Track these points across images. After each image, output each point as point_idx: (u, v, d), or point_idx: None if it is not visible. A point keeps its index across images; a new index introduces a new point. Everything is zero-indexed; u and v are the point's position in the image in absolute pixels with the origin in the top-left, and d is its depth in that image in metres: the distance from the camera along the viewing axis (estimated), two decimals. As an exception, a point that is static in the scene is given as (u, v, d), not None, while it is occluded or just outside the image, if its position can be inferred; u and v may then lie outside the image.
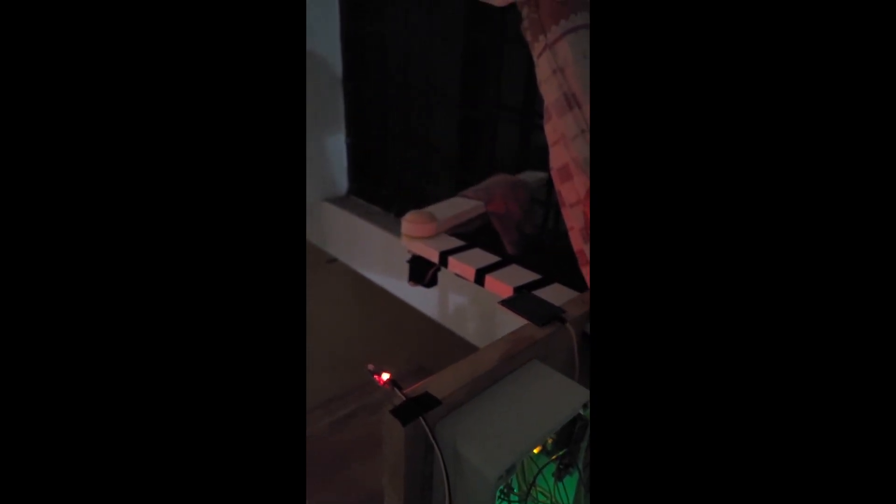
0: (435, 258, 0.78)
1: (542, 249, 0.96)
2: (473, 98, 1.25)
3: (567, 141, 0.59)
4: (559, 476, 0.48)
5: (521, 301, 0.61)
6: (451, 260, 0.75)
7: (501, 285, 0.68)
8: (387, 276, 1.47)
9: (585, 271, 0.65)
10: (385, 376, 0.45)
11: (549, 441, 0.47)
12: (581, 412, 0.46)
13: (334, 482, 0.83)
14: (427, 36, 1.31)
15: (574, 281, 0.67)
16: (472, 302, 1.25)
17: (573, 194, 0.63)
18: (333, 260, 1.65)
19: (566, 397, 0.48)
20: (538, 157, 1.03)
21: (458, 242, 0.79)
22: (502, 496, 0.44)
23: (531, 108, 1.12)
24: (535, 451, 0.46)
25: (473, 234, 0.83)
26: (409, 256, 0.84)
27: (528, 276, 0.70)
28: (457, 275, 0.75)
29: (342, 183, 1.70)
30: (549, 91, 0.59)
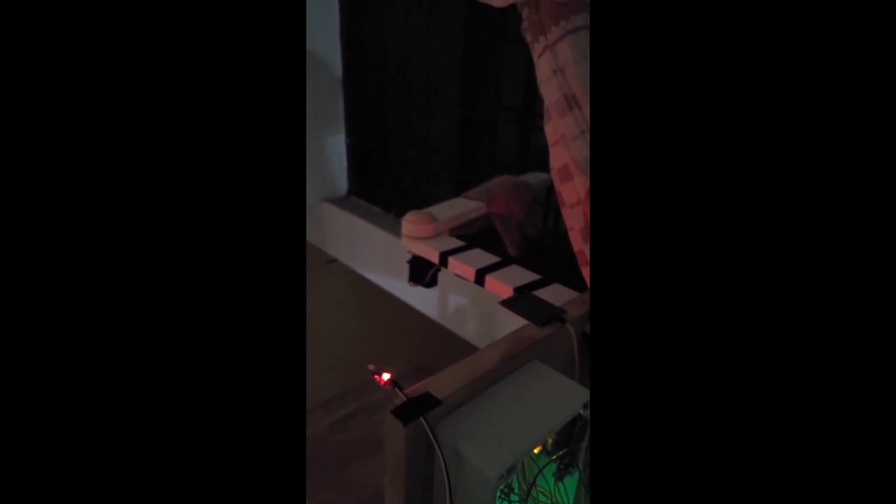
0: (435, 258, 0.78)
1: (542, 250, 0.97)
2: (473, 98, 1.25)
3: (567, 141, 0.59)
4: (559, 476, 0.48)
5: (521, 301, 0.61)
6: (451, 260, 0.75)
7: (501, 285, 0.68)
8: (387, 277, 1.47)
9: (585, 272, 0.65)
10: (386, 376, 0.45)
11: (550, 441, 0.47)
12: (581, 412, 0.47)
13: (334, 482, 0.83)
14: (427, 36, 1.31)
15: (574, 281, 0.67)
16: (472, 302, 1.25)
17: (573, 195, 0.63)
18: (333, 260, 1.65)
19: (566, 397, 0.48)
20: (538, 157, 1.03)
21: (458, 243, 0.79)
22: (503, 496, 0.44)
23: (531, 109, 1.12)
24: (536, 451, 0.46)
25: (475, 236, 0.83)
26: (409, 257, 0.84)
27: (529, 276, 0.70)
28: (457, 275, 0.75)
29: (342, 183, 1.70)
30: (550, 92, 0.59)
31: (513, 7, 0.62)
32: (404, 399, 0.43)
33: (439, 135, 1.37)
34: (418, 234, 0.80)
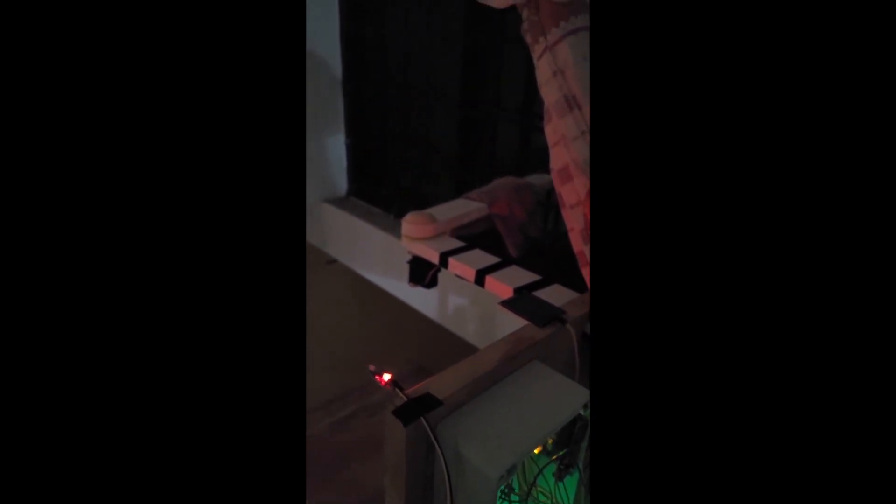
0: (435, 259, 0.78)
1: (542, 250, 0.97)
2: (473, 99, 1.25)
3: (567, 142, 0.59)
4: (559, 476, 0.48)
5: (521, 302, 0.61)
6: (452, 261, 0.75)
7: (501, 286, 0.69)
8: (387, 277, 1.47)
9: (585, 272, 0.65)
10: (386, 377, 0.45)
11: (550, 441, 0.47)
12: (581, 412, 0.47)
13: (334, 483, 0.83)
14: (427, 36, 1.31)
15: (574, 282, 0.67)
16: (472, 303, 1.25)
17: (573, 195, 0.63)
18: (333, 261, 1.65)
19: (566, 398, 0.48)
20: (538, 158, 1.03)
21: (458, 243, 0.79)
22: (503, 496, 0.44)
23: (531, 109, 1.12)
24: (536, 451, 0.47)
25: (477, 237, 0.83)
26: (409, 257, 0.84)
27: (529, 276, 0.70)
28: (457, 276, 0.76)
29: (342, 184, 1.70)
30: (550, 93, 0.59)
31: (513, 8, 0.62)
32: (405, 399, 0.43)
33: (439, 135, 1.37)
34: (418, 234, 0.80)
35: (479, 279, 0.71)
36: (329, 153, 1.65)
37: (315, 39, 1.51)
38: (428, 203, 0.86)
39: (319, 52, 1.53)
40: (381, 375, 0.45)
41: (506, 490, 0.44)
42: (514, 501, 0.45)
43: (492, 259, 0.75)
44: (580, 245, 0.64)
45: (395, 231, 1.25)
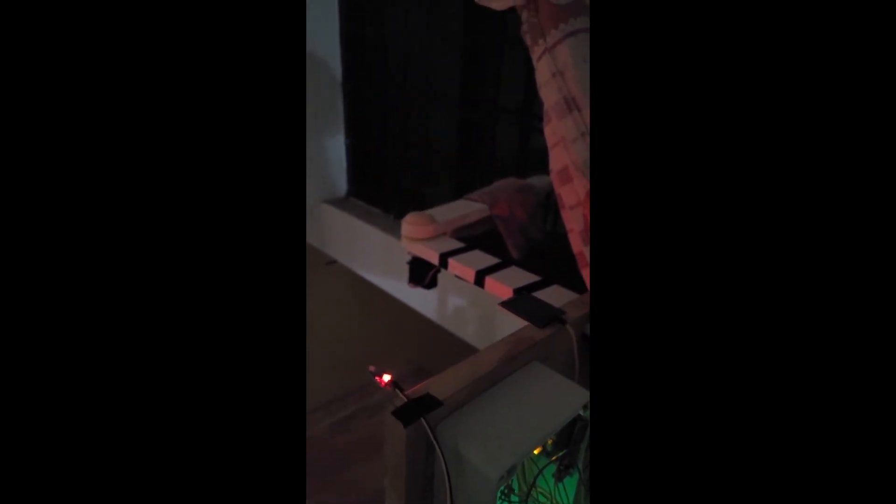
0: (435, 260, 0.78)
1: (542, 251, 0.97)
2: (473, 99, 1.25)
3: (567, 143, 0.59)
4: (559, 477, 0.49)
5: (521, 302, 0.61)
6: (451, 261, 0.75)
7: (501, 287, 0.69)
8: (386, 278, 1.47)
9: (585, 273, 0.65)
10: (386, 378, 0.45)
11: (550, 442, 0.47)
12: (581, 413, 0.47)
13: (334, 483, 0.83)
14: (427, 37, 1.31)
15: (574, 282, 0.67)
16: (471, 303, 1.25)
17: (573, 196, 0.63)
18: (333, 261, 1.65)
19: (566, 398, 0.48)
20: (538, 159, 1.04)
21: (457, 244, 0.79)
22: (503, 497, 0.44)
23: (530, 110, 1.12)
24: (536, 451, 0.47)
25: (478, 238, 0.83)
26: (408, 258, 0.84)
27: (528, 277, 0.70)
28: (457, 276, 0.76)
29: (341, 184, 1.70)
30: (549, 94, 0.59)
31: (513, 9, 0.62)
32: (405, 400, 0.43)
33: (439, 136, 1.37)
34: (418, 235, 0.80)
35: (479, 280, 0.71)
36: (329, 153, 1.65)
37: (315, 40, 1.51)
38: (427, 203, 0.87)
39: (319, 53, 1.53)
40: (381, 376, 0.45)
41: (505, 491, 0.45)
42: (514, 502, 0.45)
43: (491, 260, 0.75)
44: (579, 246, 0.65)
45: (395, 232, 1.25)
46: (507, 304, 0.61)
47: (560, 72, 0.57)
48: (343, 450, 0.90)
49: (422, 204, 1.40)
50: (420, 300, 1.35)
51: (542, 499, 0.48)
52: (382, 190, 1.59)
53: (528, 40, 0.60)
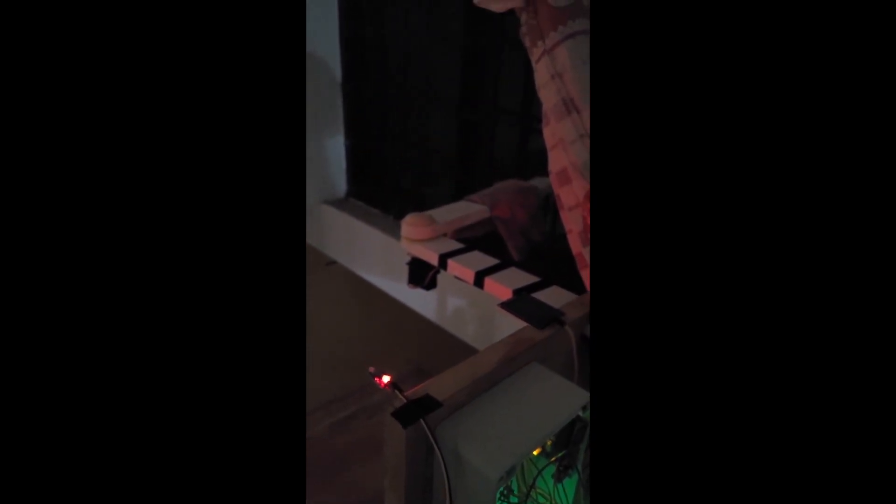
0: (434, 261, 0.78)
1: (541, 252, 0.97)
2: (473, 100, 1.25)
3: (566, 145, 0.60)
4: (558, 478, 0.49)
5: (520, 303, 0.61)
6: (451, 262, 0.75)
7: (501, 288, 0.69)
8: (386, 279, 1.47)
9: (584, 274, 0.65)
10: (386, 379, 0.45)
11: (549, 443, 0.47)
12: (580, 414, 0.47)
13: (334, 484, 0.83)
14: (426, 37, 1.31)
15: (573, 283, 0.67)
16: (471, 304, 1.25)
17: (572, 198, 0.63)
18: (333, 262, 1.65)
19: (565, 399, 0.48)
20: (538, 159, 1.04)
21: (457, 245, 0.79)
22: (502, 498, 0.44)
23: (530, 111, 1.12)
24: (535, 452, 0.47)
25: (479, 240, 0.83)
26: (408, 259, 0.84)
27: (528, 278, 0.70)
28: (456, 277, 0.76)
29: (341, 185, 1.70)
30: (548, 96, 0.60)
31: (512, 11, 0.62)
32: (404, 401, 0.43)
33: (438, 136, 1.37)
34: (417, 236, 0.80)
35: (478, 281, 0.72)
36: (328, 154, 1.65)
37: (315, 40, 1.51)
38: (427, 204, 0.87)
39: (319, 53, 1.53)
40: (380, 377, 0.45)
41: (505, 492, 0.45)
42: (514, 503, 0.46)
43: (491, 261, 0.75)
44: (578, 247, 0.65)
45: (395, 232, 1.25)
46: (506, 305, 0.61)
47: (559, 74, 0.57)
48: (343, 450, 0.90)
49: (421, 205, 1.40)
50: (420, 301, 1.35)
51: (541, 500, 0.48)
52: (382, 190, 1.59)
53: (526, 42, 0.60)
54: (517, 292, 0.66)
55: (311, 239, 1.69)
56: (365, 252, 1.54)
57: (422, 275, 0.85)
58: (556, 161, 0.64)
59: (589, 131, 0.57)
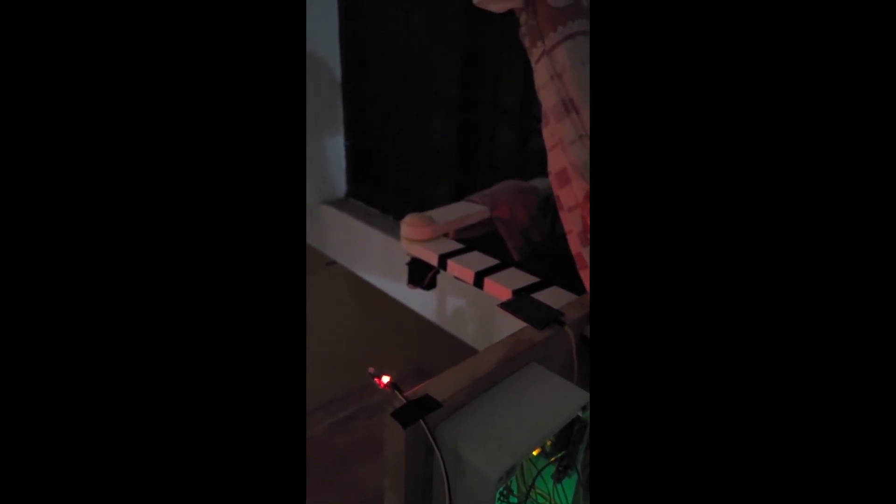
0: (434, 261, 0.78)
1: (541, 253, 0.97)
2: (473, 100, 1.25)
3: (565, 145, 0.60)
4: (558, 478, 0.49)
5: (519, 304, 0.61)
6: (451, 263, 0.75)
7: (500, 288, 0.69)
8: (386, 279, 1.47)
9: (583, 274, 0.65)
10: (386, 379, 0.45)
11: (548, 443, 0.47)
12: (580, 414, 0.47)
13: (334, 484, 0.83)
14: (426, 38, 1.31)
15: (572, 284, 0.67)
16: (470, 304, 1.25)
17: (571, 198, 0.63)
18: (332, 262, 1.65)
19: (565, 399, 0.48)
20: (537, 160, 1.04)
21: (456, 245, 0.79)
22: (502, 498, 0.45)
23: (529, 111, 1.12)
24: (535, 453, 0.47)
25: (480, 240, 0.83)
26: (408, 259, 0.84)
27: (527, 279, 0.70)
28: (456, 277, 0.76)
29: (341, 185, 1.70)
30: (547, 96, 0.60)
31: (511, 11, 0.62)
32: (404, 402, 0.43)
33: (438, 137, 1.37)
34: (417, 236, 0.80)
35: (478, 281, 0.72)
36: (328, 154, 1.65)
37: (315, 40, 1.51)
38: (427, 204, 0.87)
39: (319, 53, 1.53)
40: (380, 378, 0.45)
41: (504, 492, 0.45)
42: (513, 503, 0.46)
43: (490, 261, 0.75)
44: (578, 247, 0.65)
45: (395, 233, 1.25)
46: (505, 306, 0.61)
47: (558, 74, 0.57)
48: (343, 450, 0.90)
49: (421, 205, 1.40)
50: (419, 301, 1.35)
51: (540, 500, 0.48)
52: (382, 191, 1.59)
53: (526, 43, 0.60)
54: (517, 293, 0.66)
55: (311, 239, 1.69)
56: (365, 252, 1.55)
57: (421, 275, 0.85)
58: (555, 161, 0.64)
59: (588, 132, 0.58)
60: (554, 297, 0.65)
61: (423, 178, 1.47)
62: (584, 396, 0.48)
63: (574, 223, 0.64)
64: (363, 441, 0.92)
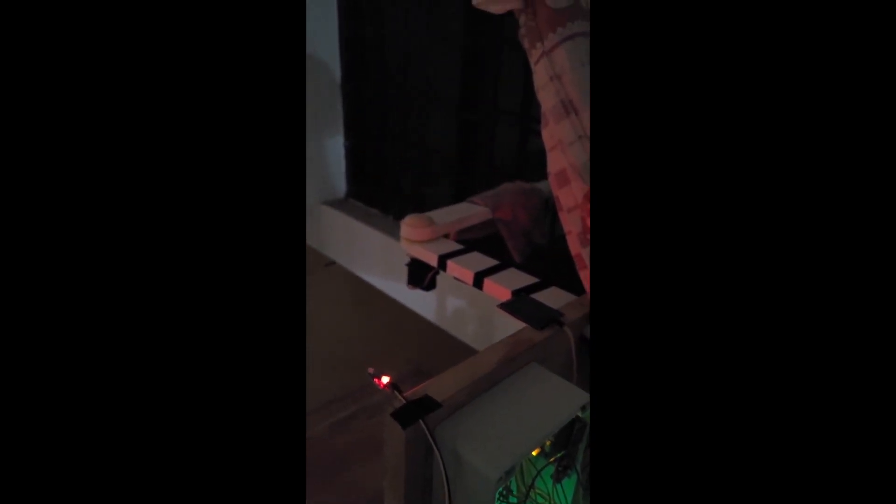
0: (434, 262, 0.78)
1: (540, 253, 0.97)
2: (472, 101, 1.25)
3: (564, 146, 0.60)
4: (557, 478, 0.49)
5: (519, 304, 0.61)
6: (450, 263, 0.75)
7: (500, 289, 0.69)
8: (386, 279, 1.47)
9: (583, 275, 0.65)
10: (385, 380, 0.45)
11: (548, 443, 0.47)
12: (579, 414, 0.47)
13: (334, 484, 0.83)
14: (426, 38, 1.31)
15: (572, 284, 0.67)
16: (470, 305, 1.25)
17: (570, 199, 0.63)
18: (332, 263, 1.65)
19: (564, 399, 0.48)
20: (537, 160, 1.04)
21: (456, 246, 0.79)
22: (501, 498, 0.45)
23: (529, 112, 1.12)
24: (534, 453, 0.47)
25: (481, 241, 0.83)
26: (407, 260, 0.85)
27: (527, 279, 0.70)
28: (455, 278, 0.76)
29: (340, 186, 1.70)
30: (547, 97, 0.60)
31: (511, 12, 0.62)
32: (404, 402, 0.44)
33: (438, 137, 1.38)
34: (417, 237, 0.80)
35: (478, 282, 0.72)
36: (328, 155, 1.65)
37: (314, 40, 1.51)
38: (427, 205, 0.87)
39: (319, 54, 1.53)
40: (380, 378, 0.45)
41: (504, 492, 0.45)
42: (513, 503, 0.46)
43: (490, 262, 0.75)
44: (577, 248, 0.65)
45: (394, 233, 1.25)
46: (505, 306, 0.61)
47: (557, 75, 0.58)
48: (343, 450, 0.90)
49: (421, 205, 1.40)
50: (419, 302, 1.35)
51: (540, 500, 0.48)
52: (382, 191, 1.59)
53: (525, 44, 0.61)
54: (516, 293, 0.66)
55: (311, 240, 1.69)
56: (364, 253, 1.55)
57: (421, 276, 0.85)
58: (554, 162, 0.64)
59: (587, 133, 0.58)
60: (553, 297, 0.65)
61: (423, 179, 1.47)
62: (583, 396, 0.48)
63: (573, 224, 0.64)
64: (363, 441, 0.92)
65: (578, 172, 0.60)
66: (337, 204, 1.67)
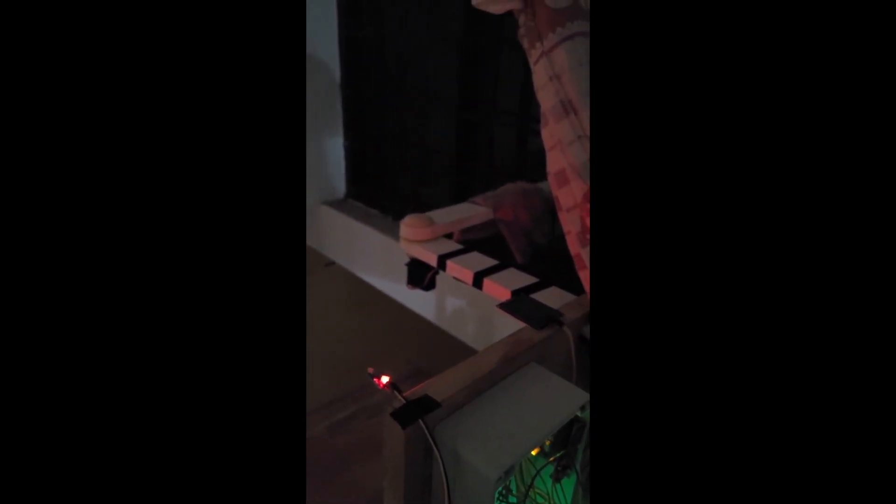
0: (433, 262, 0.78)
1: (541, 254, 0.97)
2: (472, 101, 1.25)
3: (563, 146, 0.60)
4: (557, 478, 0.49)
5: (519, 304, 0.61)
6: (450, 263, 0.75)
7: (499, 288, 0.69)
8: (385, 280, 1.48)
9: (582, 275, 0.65)
10: (385, 379, 0.45)
11: (547, 443, 0.47)
12: (579, 414, 0.47)
13: (334, 484, 0.83)
14: (426, 38, 1.31)
15: (571, 284, 0.67)
16: (470, 305, 1.25)
17: (570, 199, 0.63)
18: (332, 263, 1.65)
19: (564, 399, 0.48)
20: (536, 160, 1.04)
21: (456, 246, 0.79)
22: (501, 498, 0.45)
23: (528, 112, 1.12)
24: (533, 452, 0.47)
25: (483, 241, 0.83)
26: (407, 260, 0.85)
27: (526, 279, 0.70)
28: (455, 278, 0.76)
29: (340, 186, 1.70)
30: (546, 97, 0.60)
31: (510, 12, 0.62)
32: (403, 402, 0.44)
33: (438, 137, 1.38)
34: (416, 237, 0.80)
35: (477, 281, 0.72)
36: (327, 155, 1.65)
37: (314, 40, 1.51)
38: (426, 205, 0.87)
39: (318, 54, 1.53)
40: (379, 378, 0.45)
41: (503, 492, 0.45)
42: (512, 503, 0.46)
43: (490, 261, 0.75)
44: (577, 248, 0.65)
45: (394, 233, 1.25)
46: (504, 306, 0.61)
47: (557, 75, 0.58)
48: (342, 450, 0.90)
49: (420, 205, 1.40)
50: (419, 302, 1.35)
51: (539, 499, 0.48)
52: (381, 191, 1.59)
53: (524, 44, 0.61)
54: (516, 293, 0.66)
55: (311, 240, 1.69)
56: (364, 253, 1.55)
57: (421, 276, 0.85)
58: (554, 162, 0.64)
59: (587, 133, 0.58)
60: (553, 297, 0.65)
61: (423, 179, 1.47)
62: (583, 396, 0.48)
63: (573, 224, 0.64)
64: (363, 441, 0.92)
65: (578, 172, 0.60)
66: (336, 204, 1.67)
